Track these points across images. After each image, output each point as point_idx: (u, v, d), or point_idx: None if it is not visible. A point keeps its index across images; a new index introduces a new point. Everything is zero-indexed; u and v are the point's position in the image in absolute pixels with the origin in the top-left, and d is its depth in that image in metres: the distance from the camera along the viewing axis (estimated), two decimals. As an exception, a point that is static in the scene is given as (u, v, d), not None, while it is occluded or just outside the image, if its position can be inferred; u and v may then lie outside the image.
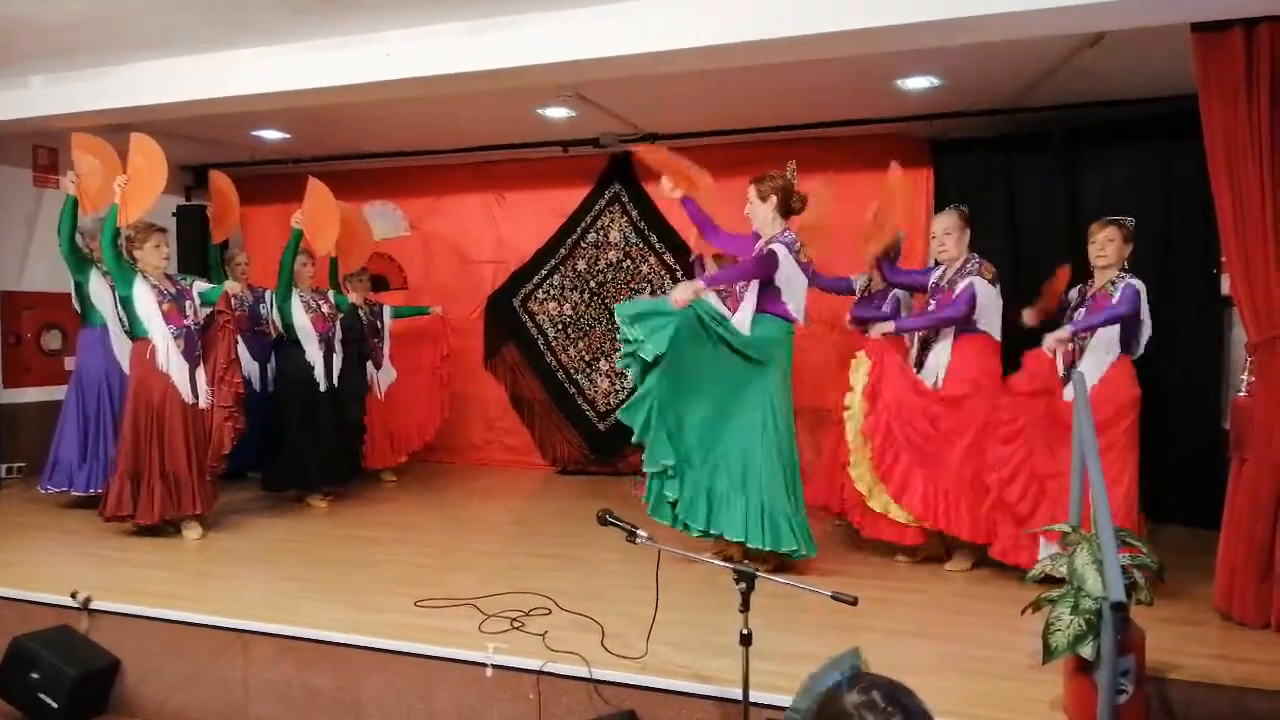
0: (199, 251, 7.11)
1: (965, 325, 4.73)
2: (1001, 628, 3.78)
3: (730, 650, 2.90)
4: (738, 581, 2.74)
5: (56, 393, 6.71)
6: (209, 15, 4.74)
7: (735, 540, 4.46)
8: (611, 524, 3.17)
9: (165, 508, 5.28)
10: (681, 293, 4.44)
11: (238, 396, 5.53)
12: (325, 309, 6.33)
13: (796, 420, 4.72)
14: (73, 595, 4.19)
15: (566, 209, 7.85)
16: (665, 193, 4.98)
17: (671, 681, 3.31)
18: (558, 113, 6.35)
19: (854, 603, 2.71)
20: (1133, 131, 5.92)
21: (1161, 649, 3.35)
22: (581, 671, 3.37)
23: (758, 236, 4.75)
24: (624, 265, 7.73)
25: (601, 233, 7.79)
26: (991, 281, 4.73)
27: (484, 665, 3.49)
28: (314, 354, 6.20)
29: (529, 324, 8.02)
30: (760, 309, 4.57)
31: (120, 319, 5.65)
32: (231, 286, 5.86)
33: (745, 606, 2.73)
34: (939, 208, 6.13)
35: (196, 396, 5.41)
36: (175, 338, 5.34)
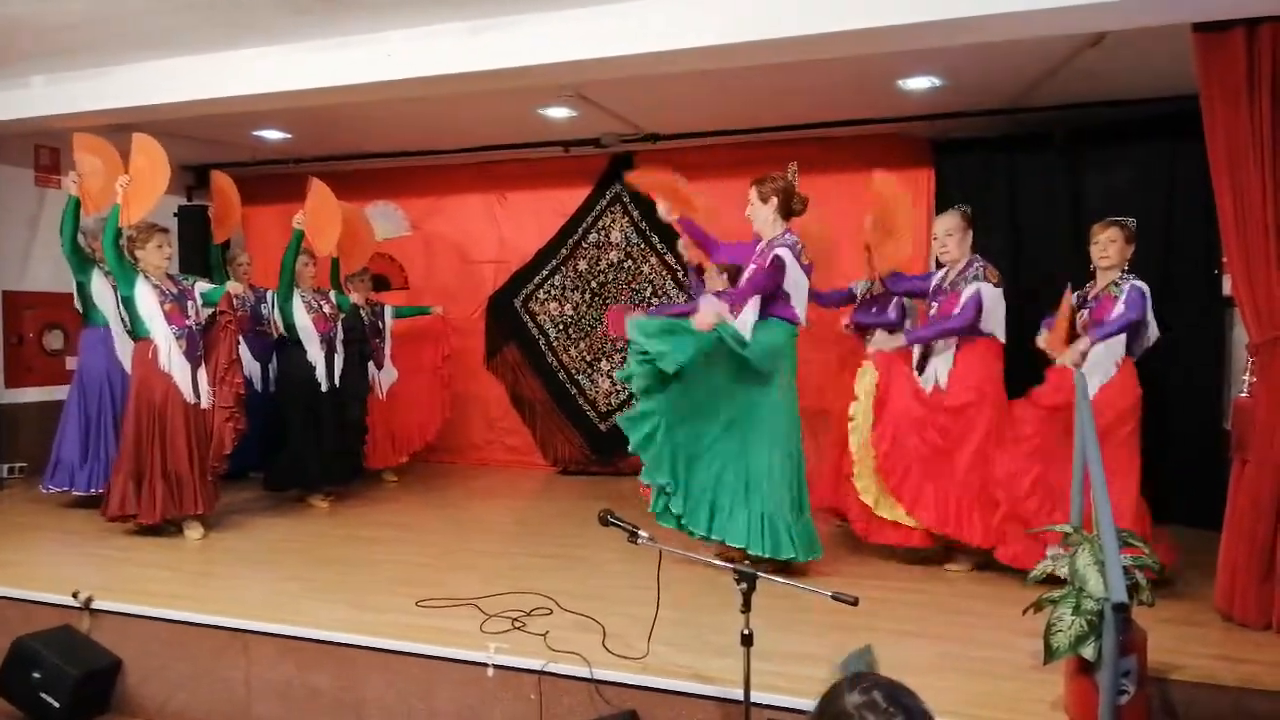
0: (200, 252, 7.11)
1: (969, 329, 4.72)
2: (1002, 628, 3.77)
3: (731, 650, 2.90)
4: (739, 582, 2.74)
5: (58, 393, 6.73)
6: (209, 15, 4.74)
7: (736, 547, 4.47)
8: (613, 524, 3.18)
9: (167, 507, 5.28)
10: (707, 317, 4.41)
11: (239, 397, 5.53)
12: (327, 309, 6.33)
13: (797, 422, 4.72)
14: (74, 595, 4.19)
15: (568, 209, 7.86)
16: (662, 216, 4.99)
17: (672, 682, 3.31)
18: (559, 113, 6.35)
19: (855, 603, 2.71)
20: (1134, 132, 5.92)
21: (1163, 649, 3.34)
22: (583, 672, 3.37)
23: (758, 239, 4.75)
24: (625, 265, 7.73)
25: (603, 233, 7.79)
26: (996, 285, 4.72)
27: (485, 665, 3.49)
28: (315, 354, 6.20)
29: (530, 324, 8.03)
30: (765, 314, 4.57)
31: (122, 319, 5.65)
32: (233, 287, 5.87)
33: (746, 607, 2.73)
34: (940, 208, 6.14)
35: (198, 396, 5.41)
36: (177, 338, 5.34)
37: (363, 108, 5.91)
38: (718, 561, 3.21)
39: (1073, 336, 4.54)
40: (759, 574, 2.78)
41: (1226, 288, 5.03)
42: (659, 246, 7.61)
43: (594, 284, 7.82)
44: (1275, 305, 3.79)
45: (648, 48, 4.51)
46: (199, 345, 5.48)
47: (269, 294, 6.40)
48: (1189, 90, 4.07)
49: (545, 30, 4.66)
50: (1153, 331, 4.46)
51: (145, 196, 5.39)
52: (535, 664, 3.44)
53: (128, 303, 5.34)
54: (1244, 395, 4.00)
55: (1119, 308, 4.41)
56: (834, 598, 2.74)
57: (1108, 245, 4.49)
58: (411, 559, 5.04)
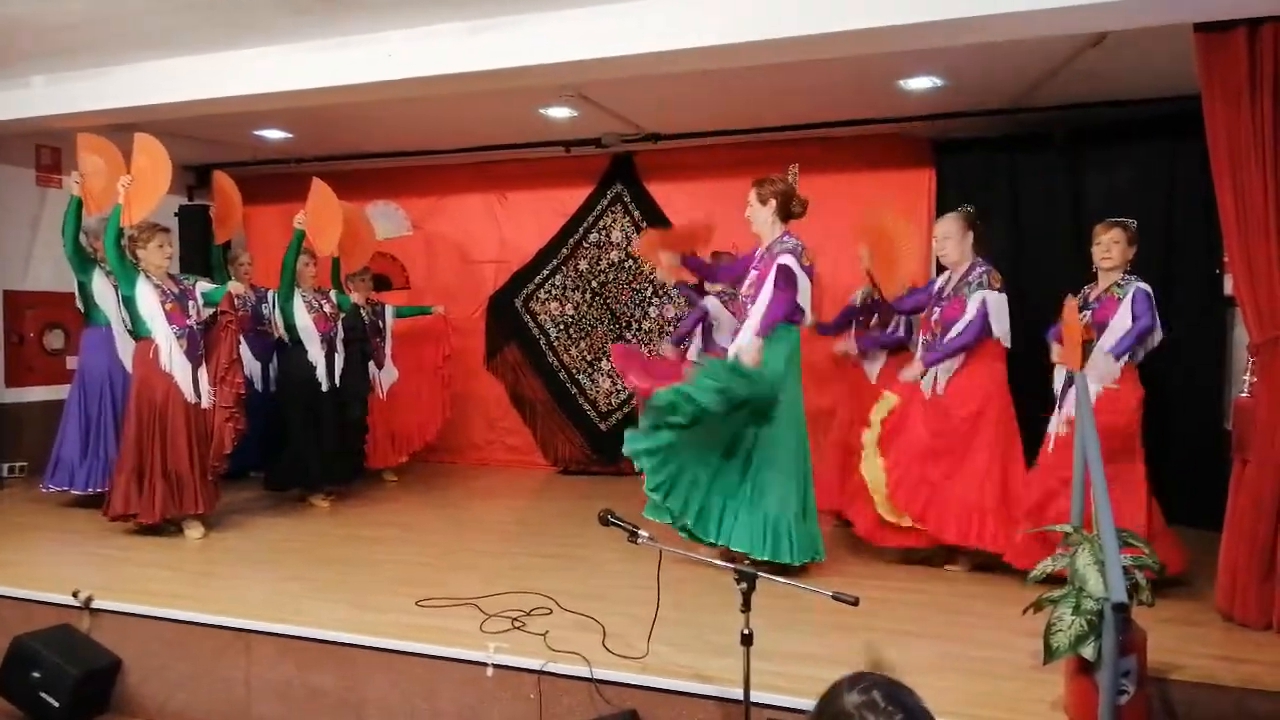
0: (201, 251, 7.12)
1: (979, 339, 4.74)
2: (1002, 628, 3.77)
3: (731, 650, 2.90)
4: (739, 582, 2.74)
5: (59, 392, 6.73)
6: (209, 15, 4.74)
7: (740, 551, 4.48)
8: (613, 524, 3.18)
9: (166, 507, 5.28)
10: (752, 355, 4.44)
11: (239, 397, 5.53)
12: (327, 309, 6.33)
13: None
14: (74, 594, 4.19)
15: (568, 209, 7.86)
16: (664, 267, 5.10)
17: (673, 681, 3.31)
18: (560, 113, 6.35)
19: (855, 603, 2.71)
20: (1135, 132, 5.92)
21: (1163, 650, 3.34)
22: (583, 671, 3.37)
23: (755, 248, 4.76)
24: (626, 265, 7.73)
25: (603, 233, 7.79)
26: (1000, 290, 4.72)
27: (485, 665, 3.49)
28: (316, 354, 6.20)
29: (531, 324, 8.03)
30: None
31: (123, 319, 5.66)
32: (235, 287, 5.87)
33: (746, 607, 2.73)
34: (941, 208, 6.15)
35: (199, 396, 5.41)
36: (178, 338, 5.34)
37: (363, 107, 5.91)
38: (718, 561, 3.21)
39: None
40: (759, 574, 2.78)
41: (1227, 288, 5.03)
42: (660, 246, 7.61)
43: (595, 284, 7.82)
44: (1276, 305, 3.79)
45: (648, 48, 4.51)
46: (200, 345, 5.48)
47: (270, 294, 6.40)
48: (1190, 90, 4.07)
49: (545, 30, 4.66)
50: (1158, 334, 4.45)
51: (147, 196, 5.39)
52: (535, 664, 3.44)
53: (129, 302, 5.34)
54: (1245, 395, 4.00)
55: (1123, 311, 4.39)
56: (834, 598, 2.74)
57: (1110, 246, 4.48)
58: (412, 559, 5.04)
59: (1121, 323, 4.39)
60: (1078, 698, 2.99)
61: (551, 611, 4.00)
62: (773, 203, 4.65)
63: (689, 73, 4.98)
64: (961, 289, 4.77)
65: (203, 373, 5.45)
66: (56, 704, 3.89)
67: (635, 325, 7.73)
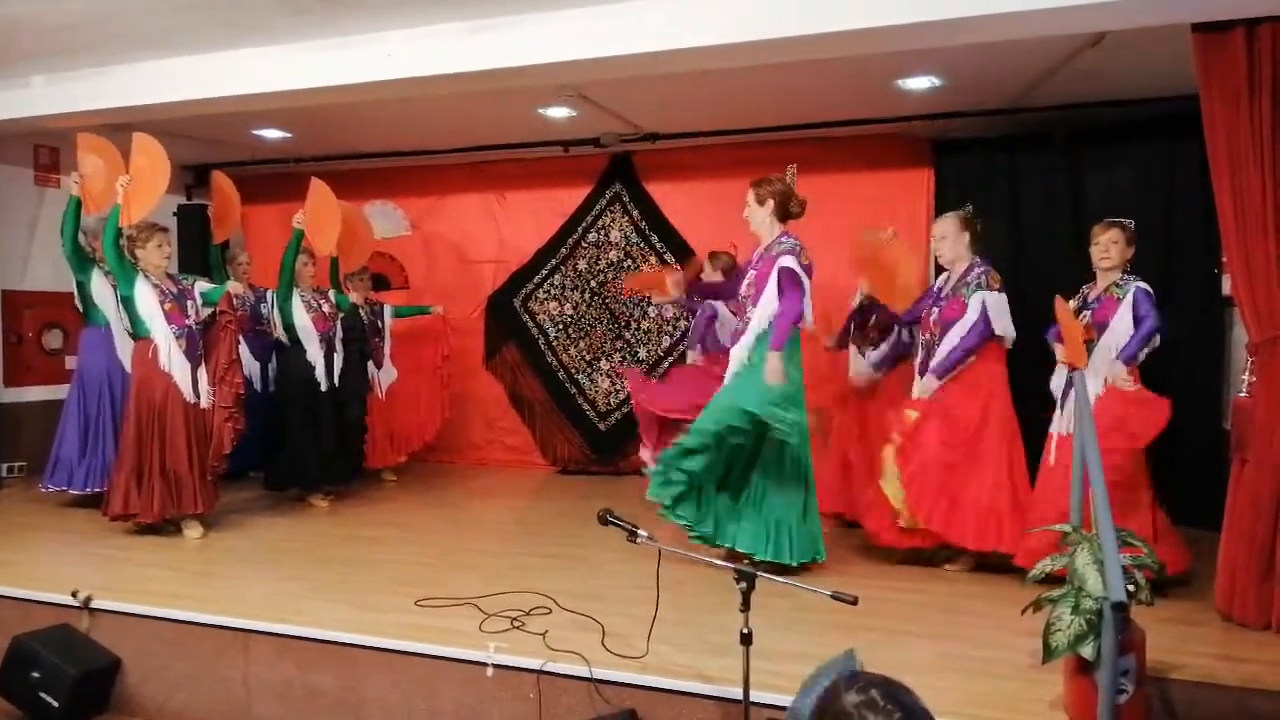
0: (200, 251, 7.11)
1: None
2: (1002, 628, 3.77)
3: (731, 650, 2.90)
4: (738, 581, 2.74)
5: (58, 392, 6.73)
6: (209, 15, 4.74)
7: (744, 553, 4.50)
8: (612, 524, 3.18)
9: (165, 506, 5.28)
10: (777, 375, 4.44)
11: (238, 397, 5.53)
12: (326, 309, 6.33)
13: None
14: (73, 594, 4.19)
15: (567, 209, 7.86)
16: (671, 291, 5.49)
17: (672, 681, 3.31)
18: (559, 112, 6.35)
19: (854, 602, 2.71)
20: (1134, 131, 5.92)
21: (1162, 649, 3.35)
22: (582, 671, 3.37)
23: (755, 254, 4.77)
24: (625, 265, 7.73)
25: (602, 232, 7.79)
26: (1000, 291, 4.73)
27: (485, 665, 3.49)
28: (315, 354, 6.20)
29: (529, 324, 8.03)
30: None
31: (122, 319, 5.65)
32: (234, 287, 5.87)
33: (746, 606, 2.73)
34: (940, 208, 6.15)
35: (198, 396, 5.41)
36: (177, 337, 5.34)
37: (362, 107, 5.91)
38: (717, 561, 3.22)
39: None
40: (758, 573, 2.79)
41: (1226, 287, 5.02)
42: (659, 246, 7.62)
43: (594, 283, 7.82)
44: (1275, 305, 3.79)
45: (647, 48, 4.51)
46: (199, 345, 5.48)
47: (268, 293, 6.40)
48: (1189, 90, 4.07)
49: (544, 30, 4.66)
50: (1158, 334, 4.46)
51: (146, 196, 5.39)
52: (534, 663, 3.44)
53: (127, 302, 5.34)
54: (1243, 395, 4.00)
55: (1123, 312, 4.39)
56: (834, 597, 2.74)
57: (1109, 246, 4.48)
58: (411, 558, 5.04)
59: (1122, 323, 4.40)
60: (1077, 697, 2.99)
61: (551, 611, 4.00)
62: (770, 203, 4.65)
63: (688, 73, 4.98)
64: (960, 289, 4.78)
65: (202, 373, 5.45)
66: (56, 704, 3.89)
67: (634, 325, 7.73)
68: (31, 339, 7.22)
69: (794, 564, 4.49)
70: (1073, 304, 4.61)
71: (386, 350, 7.26)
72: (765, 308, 4.56)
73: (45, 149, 7.31)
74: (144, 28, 4.93)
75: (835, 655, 2.36)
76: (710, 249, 6.26)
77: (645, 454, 5.79)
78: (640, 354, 7.72)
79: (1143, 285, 4.41)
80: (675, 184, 7.51)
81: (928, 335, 4.91)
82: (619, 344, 7.78)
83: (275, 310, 6.19)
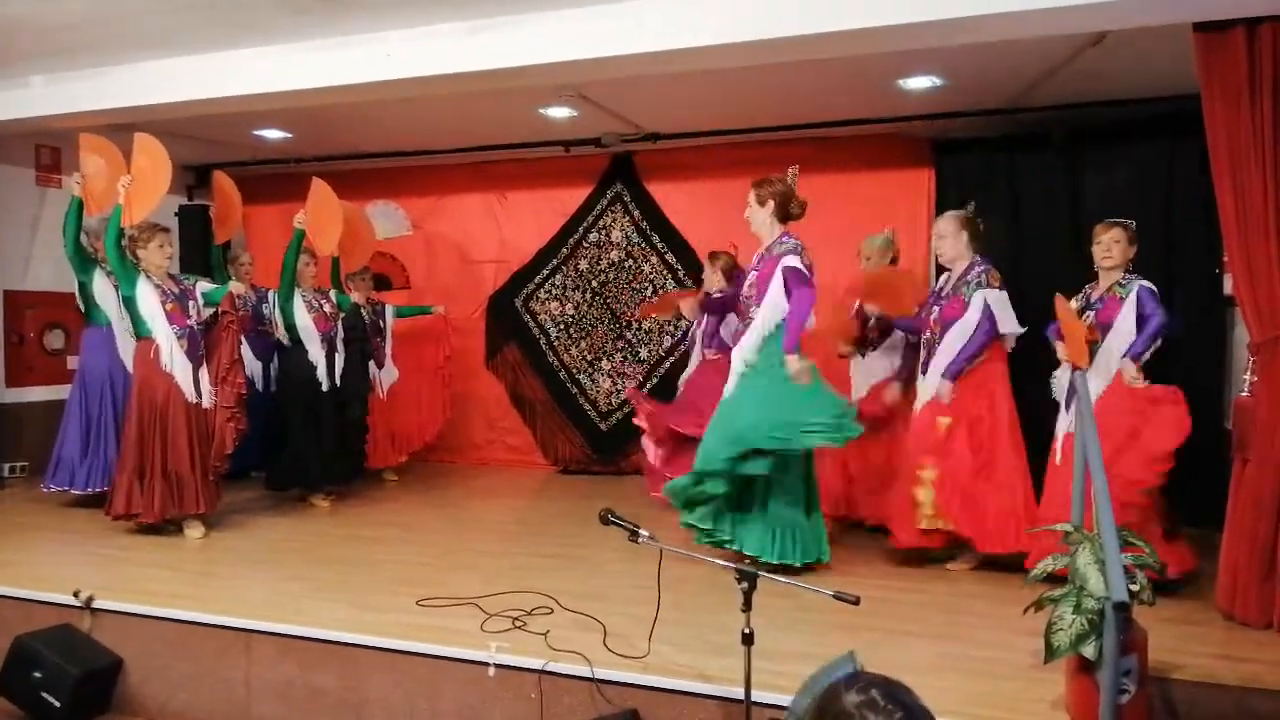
0: (201, 251, 7.12)
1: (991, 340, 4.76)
2: (1003, 628, 3.77)
3: (732, 650, 2.90)
4: (740, 581, 2.74)
5: (59, 392, 6.73)
6: (209, 15, 4.74)
7: (750, 555, 4.51)
8: (613, 523, 3.18)
9: (166, 506, 5.29)
10: (804, 376, 4.48)
11: (240, 397, 5.54)
12: (327, 309, 6.34)
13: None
14: (75, 594, 4.19)
15: (568, 209, 7.86)
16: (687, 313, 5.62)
17: (674, 681, 3.31)
18: (559, 112, 6.35)
19: (856, 602, 2.71)
20: (1134, 131, 5.91)
21: (1164, 649, 3.34)
22: (584, 671, 3.37)
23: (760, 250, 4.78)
24: (626, 265, 7.73)
25: (603, 232, 7.79)
26: (1000, 289, 4.74)
27: (486, 665, 3.49)
28: (316, 354, 6.20)
29: (531, 324, 8.03)
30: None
31: (124, 319, 5.66)
32: (236, 287, 5.88)
33: (747, 606, 2.73)
34: (940, 208, 6.15)
35: (200, 396, 5.42)
36: (179, 338, 5.35)
37: (363, 107, 5.91)
38: (719, 561, 3.22)
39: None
40: (760, 573, 2.79)
41: (1227, 287, 5.03)
42: (660, 246, 7.62)
43: (595, 283, 7.82)
44: (1276, 304, 3.79)
45: (646, 48, 4.51)
46: (200, 345, 5.48)
47: (270, 294, 6.40)
48: (1189, 90, 4.07)
49: (544, 30, 4.66)
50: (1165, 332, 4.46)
51: (147, 196, 5.39)
52: (536, 663, 3.44)
53: (129, 302, 5.34)
54: (1245, 395, 4.00)
55: (1127, 311, 4.38)
56: (835, 597, 2.74)
57: (1111, 246, 4.48)
58: (412, 558, 5.04)
59: (1125, 323, 4.39)
60: (1078, 697, 2.99)
61: (552, 611, 4.00)
62: (771, 204, 4.65)
63: (689, 73, 4.98)
64: (960, 288, 4.79)
65: (203, 373, 5.46)
66: (57, 704, 3.89)
67: (635, 325, 7.73)
68: (33, 339, 7.23)
69: (799, 564, 4.49)
70: (1075, 304, 4.59)
71: (388, 350, 7.26)
72: (769, 309, 4.56)
73: (47, 149, 7.31)
74: (144, 28, 4.93)
75: (836, 657, 2.36)
76: (711, 249, 6.26)
77: (650, 451, 5.80)
78: (641, 354, 7.72)
79: (1146, 284, 4.41)
80: (676, 184, 7.51)
81: (928, 334, 4.92)
82: (620, 344, 7.78)
83: (277, 310, 6.19)
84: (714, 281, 6.04)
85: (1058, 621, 2.97)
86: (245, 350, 6.22)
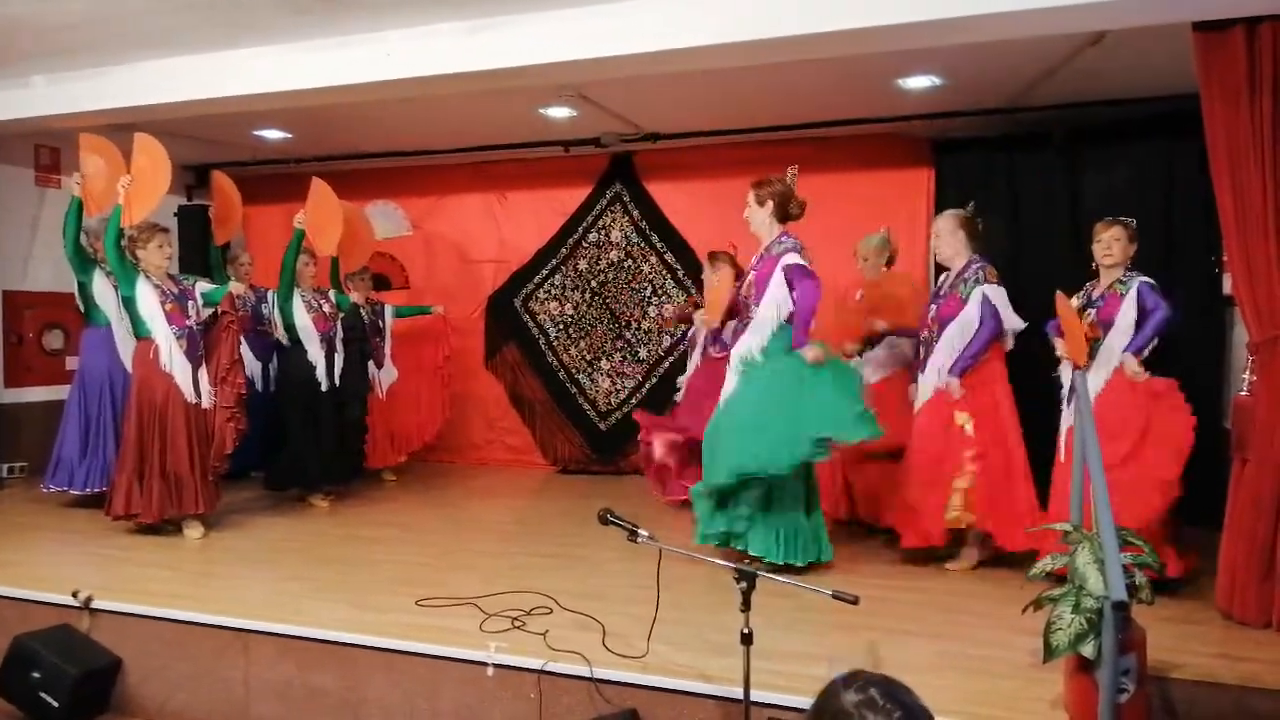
0: (201, 252, 7.11)
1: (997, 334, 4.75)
2: (1001, 627, 3.77)
3: (731, 649, 2.90)
4: (739, 581, 2.74)
5: (58, 392, 6.73)
6: (209, 15, 4.74)
7: (755, 555, 4.51)
8: (613, 523, 3.18)
9: (164, 507, 5.29)
10: (819, 357, 4.51)
11: (240, 397, 5.54)
12: (326, 309, 6.33)
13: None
14: (74, 594, 4.19)
15: (568, 209, 7.86)
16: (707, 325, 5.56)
17: (673, 681, 3.31)
18: (559, 112, 6.35)
19: (855, 602, 2.71)
20: (1134, 131, 5.92)
21: (1163, 648, 3.34)
22: (583, 671, 3.37)
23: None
24: (625, 265, 7.73)
25: (603, 232, 7.79)
26: (998, 283, 4.75)
27: (485, 664, 3.49)
28: (316, 354, 6.20)
29: (530, 324, 8.03)
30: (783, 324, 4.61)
31: (123, 319, 5.66)
32: (236, 287, 5.88)
33: (746, 606, 2.73)
34: (940, 207, 6.15)
35: (199, 396, 5.41)
36: (178, 338, 5.34)
37: (362, 107, 5.91)
38: (718, 560, 3.22)
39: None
40: (759, 573, 2.79)
41: (1226, 286, 5.02)
42: (659, 246, 7.62)
43: (594, 283, 7.82)
44: (1275, 304, 3.79)
45: (645, 48, 4.52)
46: (199, 345, 5.48)
47: (269, 294, 6.40)
48: (1189, 89, 4.07)
49: (544, 30, 4.66)
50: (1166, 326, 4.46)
51: (147, 196, 5.39)
52: (535, 663, 3.44)
53: (128, 303, 5.34)
54: (1244, 394, 4.00)
55: (1127, 308, 4.38)
56: (834, 596, 2.74)
57: (1111, 244, 4.48)
58: (411, 558, 5.04)
59: (1125, 319, 4.39)
60: (1077, 696, 2.99)
61: (551, 611, 4.00)
62: (770, 204, 4.65)
63: (688, 72, 4.98)
64: (957, 286, 4.81)
65: (203, 373, 5.45)
66: (56, 704, 3.88)
67: (634, 325, 7.73)
68: (32, 339, 7.23)
69: (801, 564, 4.50)
70: (1077, 302, 4.60)
71: (387, 350, 7.26)
72: (770, 307, 4.57)
73: (46, 149, 7.31)
74: (144, 28, 4.93)
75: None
76: (710, 249, 6.26)
77: (658, 446, 5.81)
78: (640, 354, 7.72)
79: (1146, 279, 4.42)
80: (676, 184, 7.51)
81: (925, 333, 4.92)
82: (619, 344, 7.78)
83: (276, 310, 6.19)
84: (713, 281, 6.03)
85: (1056, 621, 2.97)
86: (245, 350, 6.21)
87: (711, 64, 4.80)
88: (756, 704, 2.86)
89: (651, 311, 7.67)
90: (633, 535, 3.13)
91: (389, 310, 7.34)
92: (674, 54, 4.53)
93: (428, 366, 7.59)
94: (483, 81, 5.04)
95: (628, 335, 7.75)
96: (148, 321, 5.31)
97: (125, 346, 5.86)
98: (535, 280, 7.99)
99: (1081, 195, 6.12)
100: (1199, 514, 4.80)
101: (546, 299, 7.98)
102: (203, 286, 5.63)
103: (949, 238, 4.86)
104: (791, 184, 4.72)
